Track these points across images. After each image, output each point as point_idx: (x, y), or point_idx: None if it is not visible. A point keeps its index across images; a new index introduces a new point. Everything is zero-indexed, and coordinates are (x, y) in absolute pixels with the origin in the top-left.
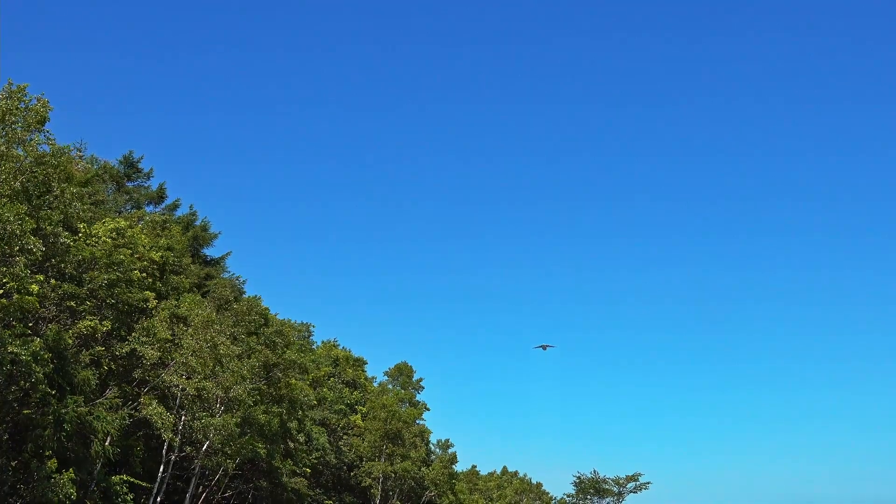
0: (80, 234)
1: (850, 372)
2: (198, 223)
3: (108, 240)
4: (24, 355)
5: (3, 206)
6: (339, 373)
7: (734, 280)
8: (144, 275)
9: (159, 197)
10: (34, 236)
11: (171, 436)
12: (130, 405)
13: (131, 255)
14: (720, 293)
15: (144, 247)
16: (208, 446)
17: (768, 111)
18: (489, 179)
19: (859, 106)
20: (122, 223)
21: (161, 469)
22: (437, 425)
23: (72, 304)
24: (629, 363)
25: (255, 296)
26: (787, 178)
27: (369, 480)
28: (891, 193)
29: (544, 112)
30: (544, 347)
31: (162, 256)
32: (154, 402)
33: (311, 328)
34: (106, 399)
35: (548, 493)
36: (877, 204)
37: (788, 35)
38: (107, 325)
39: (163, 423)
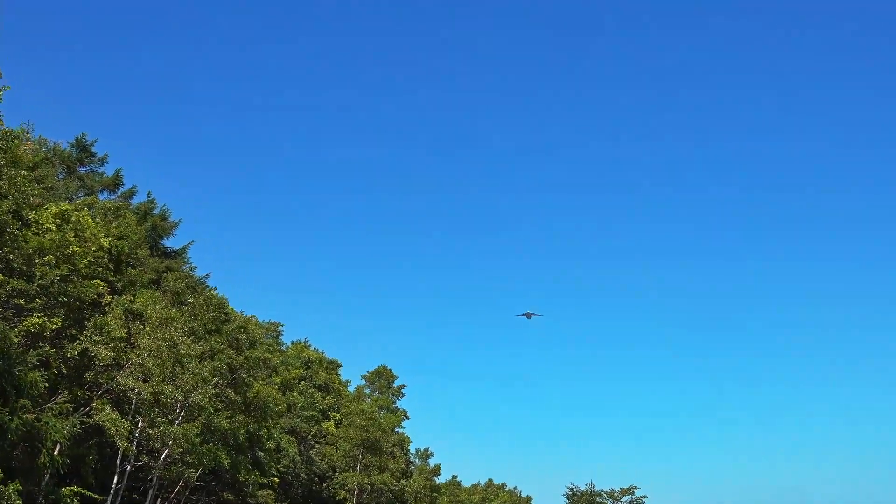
0: (31, 224)
1: (860, 370)
2: (157, 212)
3: (52, 226)
4: None
5: None
6: (311, 376)
7: (738, 277)
8: (95, 266)
9: (115, 184)
10: None
11: (126, 444)
12: (82, 411)
13: (77, 240)
14: (722, 290)
15: (93, 233)
16: (167, 455)
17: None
18: (470, 171)
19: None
20: (67, 206)
21: (115, 480)
22: (415, 432)
23: (20, 301)
24: (627, 366)
25: (212, 287)
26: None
27: (343, 493)
28: None
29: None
30: (528, 316)
31: (112, 244)
32: (108, 408)
33: (280, 328)
34: (55, 404)
35: None
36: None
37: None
38: (56, 323)
39: (117, 431)
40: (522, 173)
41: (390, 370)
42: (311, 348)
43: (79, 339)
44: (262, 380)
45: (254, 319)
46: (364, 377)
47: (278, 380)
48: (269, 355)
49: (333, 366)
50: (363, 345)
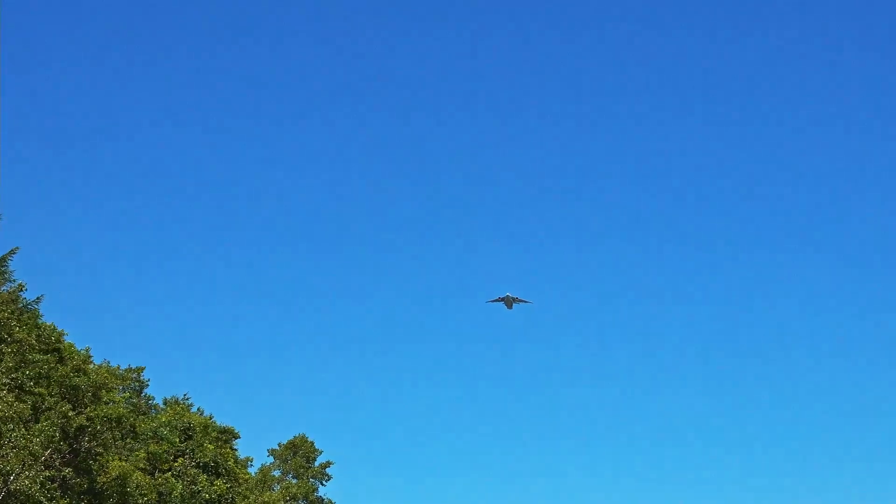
0: None
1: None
2: None
3: None
4: None
5: None
6: (193, 450)
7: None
8: None
9: None
10: None
11: None
12: None
13: None
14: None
15: None
16: None
17: None
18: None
19: None
20: None
21: None
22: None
23: None
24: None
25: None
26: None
27: None
28: None
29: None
30: (509, 303)
31: None
32: None
33: (145, 379)
34: None
35: None
36: None
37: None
38: None
39: None
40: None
41: (311, 442)
42: (194, 409)
43: None
44: (118, 454)
45: (105, 365)
46: (273, 452)
47: (142, 454)
48: (128, 415)
49: (227, 435)
50: (271, 404)
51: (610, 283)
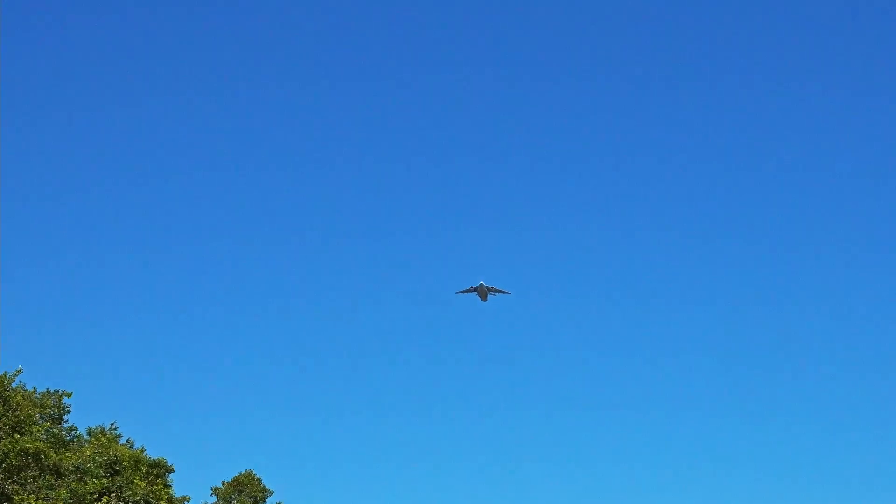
0: None
1: None
2: None
3: None
4: None
5: None
6: (121, 487)
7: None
8: None
9: None
10: None
11: None
12: None
13: None
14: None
15: None
16: None
17: None
18: None
19: None
20: None
21: None
22: None
23: None
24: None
25: None
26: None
27: None
28: None
29: None
30: (483, 294)
31: None
32: None
33: (67, 406)
34: None
35: None
36: None
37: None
38: None
39: None
40: None
41: (259, 479)
42: (123, 441)
43: None
44: (36, 492)
45: (21, 389)
46: (215, 491)
47: (64, 494)
48: (47, 449)
49: (160, 470)
50: (212, 435)
51: (602, 274)
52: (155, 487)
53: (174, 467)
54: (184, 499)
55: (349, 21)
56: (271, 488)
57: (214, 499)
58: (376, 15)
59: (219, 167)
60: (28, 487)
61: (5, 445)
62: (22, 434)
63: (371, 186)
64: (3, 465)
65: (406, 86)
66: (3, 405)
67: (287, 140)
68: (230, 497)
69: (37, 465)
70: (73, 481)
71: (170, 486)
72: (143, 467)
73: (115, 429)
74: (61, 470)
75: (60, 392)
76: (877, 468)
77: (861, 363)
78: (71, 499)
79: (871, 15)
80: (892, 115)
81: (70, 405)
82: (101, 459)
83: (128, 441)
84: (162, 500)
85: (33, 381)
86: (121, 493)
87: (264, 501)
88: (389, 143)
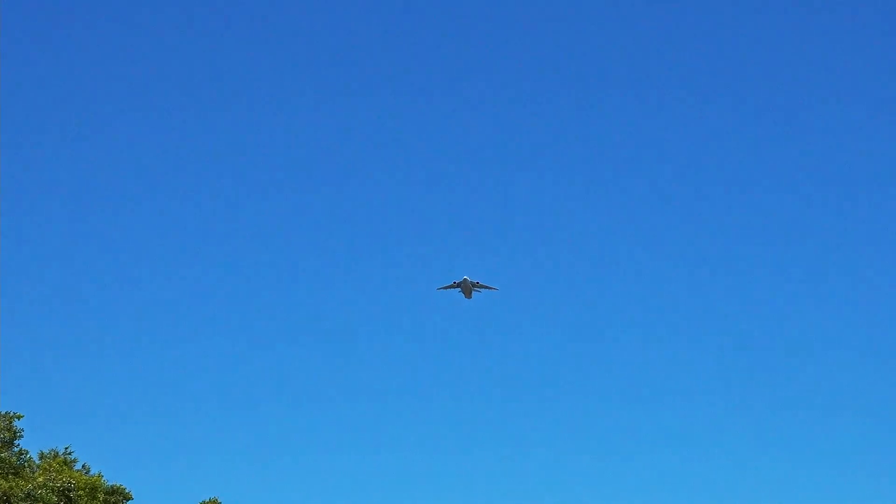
0: None
1: None
2: None
3: None
4: None
5: None
6: None
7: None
8: None
9: None
10: None
11: None
12: None
13: None
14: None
15: None
16: None
17: None
18: None
19: None
20: None
21: None
22: None
23: None
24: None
25: None
26: None
27: None
28: None
29: None
30: (467, 289)
31: None
32: None
33: (19, 429)
34: None
35: None
36: None
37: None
38: None
39: None
40: None
41: None
42: (78, 466)
43: None
44: None
45: None
46: None
47: None
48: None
49: (117, 497)
50: (174, 461)
51: (596, 270)
52: None
53: (132, 494)
54: None
55: (349, 21)
56: None
57: None
58: (376, 15)
59: (209, 172)
60: None
61: None
62: None
63: (355, 183)
64: None
65: (387, 85)
66: None
67: (273, 141)
68: None
69: None
70: None
71: None
72: (99, 494)
73: (69, 453)
74: (11, 498)
75: (11, 414)
76: (880, 465)
77: (868, 356)
78: None
79: (872, 15)
80: (891, 115)
81: (22, 429)
82: (54, 486)
83: (83, 466)
84: None
85: None
86: None
87: None
88: (382, 141)
